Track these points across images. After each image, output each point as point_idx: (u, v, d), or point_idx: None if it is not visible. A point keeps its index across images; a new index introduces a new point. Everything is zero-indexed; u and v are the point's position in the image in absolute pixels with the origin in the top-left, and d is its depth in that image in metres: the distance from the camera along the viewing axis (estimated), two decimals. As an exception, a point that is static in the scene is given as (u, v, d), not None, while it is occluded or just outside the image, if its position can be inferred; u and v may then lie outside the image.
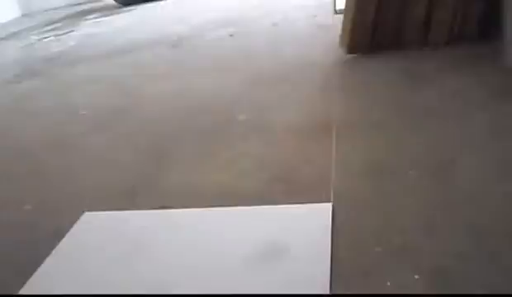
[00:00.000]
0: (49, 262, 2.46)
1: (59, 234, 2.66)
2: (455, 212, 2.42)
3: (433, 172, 2.74)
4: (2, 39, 9.43)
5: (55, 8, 12.25)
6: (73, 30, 8.54)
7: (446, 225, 2.35)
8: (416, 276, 2.08)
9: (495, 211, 2.38)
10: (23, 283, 2.34)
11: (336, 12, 5.97)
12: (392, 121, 3.36)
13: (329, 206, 2.53)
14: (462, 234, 2.27)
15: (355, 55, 4.55)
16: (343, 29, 4.59)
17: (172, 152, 3.40)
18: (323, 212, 2.50)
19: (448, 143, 3.02)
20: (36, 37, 8.61)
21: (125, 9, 10.07)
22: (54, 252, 2.52)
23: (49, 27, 9.59)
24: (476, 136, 3.05)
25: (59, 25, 9.74)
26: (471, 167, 2.74)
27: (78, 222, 2.75)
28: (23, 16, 12.35)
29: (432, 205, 2.50)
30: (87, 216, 2.79)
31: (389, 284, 2.06)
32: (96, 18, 9.70)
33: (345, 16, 4.56)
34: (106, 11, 10.33)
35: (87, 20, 9.70)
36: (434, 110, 3.42)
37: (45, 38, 8.37)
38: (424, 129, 3.22)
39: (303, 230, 2.41)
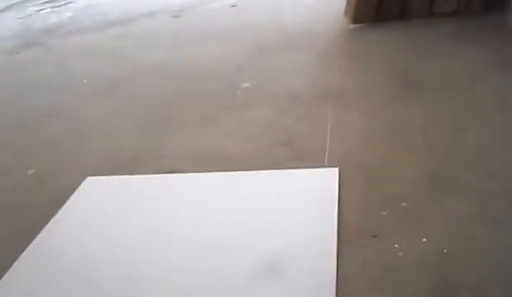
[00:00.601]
0: (51, 225, 2.44)
1: (61, 199, 2.64)
2: (460, 176, 2.41)
3: (437, 139, 2.72)
4: (0, 11, 9.30)
5: (53, -19, 12.06)
6: (71, 2, 8.41)
7: (451, 189, 2.34)
8: (424, 239, 2.07)
9: (498, 175, 2.38)
10: (25, 247, 2.32)
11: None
12: (396, 90, 3.32)
13: (335, 170, 2.50)
14: (467, 198, 2.26)
15: (360, 25, 4.49)
16: (348, -1, 4.53)
17: (174, 118, 3.36)
18: (329, 176, 2.48)
19: (452, 111, 2.99)
20: (34, 8, 8.48)
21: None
22: (57, 215, 2.50)
23: (46, -1, 9.45)
24: (480, 105, 3.02)
25: (56, -3, 9.59)
26: (475, 135, 2.73)
27: (81, 186, 2.72)
28: (20, -12, 12.16)
29: (437, 168, 2.49)
30: (90, 181, 2.76)
31: (396, 246, 2.05)
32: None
33: (350, -14, 4.50)
34: (104, -17, 10.16)
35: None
36: (438, 80, 3.38)
37: (43, 10, 8.25)
38: (428, 97, 3.18)
39: (310, 194, 2.39)
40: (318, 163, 2.63)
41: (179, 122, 3.30)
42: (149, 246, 2.21)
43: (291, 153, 2.78)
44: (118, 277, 2.07)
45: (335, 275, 1.92)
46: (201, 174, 2.68)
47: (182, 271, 2.04)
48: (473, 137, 2.71)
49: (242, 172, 2.63)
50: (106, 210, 2.52)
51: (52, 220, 2.47)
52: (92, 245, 2.28)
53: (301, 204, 2.34)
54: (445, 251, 1.99)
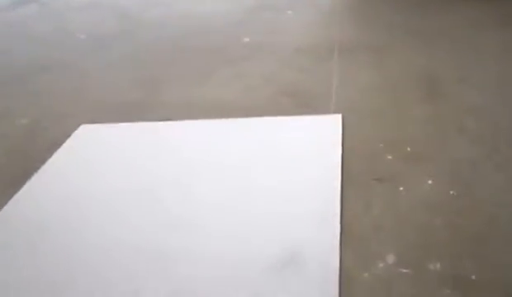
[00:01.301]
0: (42, 170, 2.38)
1: (55, 146, 2.57)
2: (464, 122, 2.36)
3: (440, 88, 2.67)
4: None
5: None
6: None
7: (455, 134, 2.29)
8: (430, 181, 2.02)
9: (502, 121, 2.34)
10: (15, 193, 2.26)
11: None
12: (400, 43, 3.25)
13: (338, 117, 2.44)
14: (471, 142, 2.21)
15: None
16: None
17: (173, 71, 3.28)
18: (333, 122, 2.42)
19: (454, 62, 2.94)
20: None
21: None
22: (49, 160, 2.43)
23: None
24: (482, 57, 2.97)
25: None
26: (477, 85, 2.67)
27: (75, 133, 2.65)
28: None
29: (441, 114, 2.43)
30: (84, 128, 2.69)
31: (401, 188, 2.00)
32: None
33: None
34: None
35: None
36: (443, 35, 3.32)
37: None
38: (431, 49, 3.12)
39: (314, 139, 2.33)
40: (322, 112, 2.58)
41: (178, 75, 3.22)
42: (141, 196, 2.13)
43: (294, 103, 2.71)
44: (104, 225, 2.00)
45: (339, 216, 1.87)
46: (199, 121, 2.61)
47: (171, 221, 1.98)
48: (475, 86, 2.66)
49: (243, 119, 2.56)
50: (99, 157, 2.44)
51: (44, 166, 2.40)
52: (81, 191, 2.21)
53: (304, 149, 2.28)
54: (451, 193, 1.95)
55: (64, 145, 2.56)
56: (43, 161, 2.44)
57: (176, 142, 2.48)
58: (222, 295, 1.62)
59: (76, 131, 2.66)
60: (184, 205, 2.03)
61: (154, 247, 1.83)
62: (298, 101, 2.72)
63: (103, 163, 2.38)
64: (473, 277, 1.59)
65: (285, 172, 2.16)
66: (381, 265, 1.68)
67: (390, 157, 2.18)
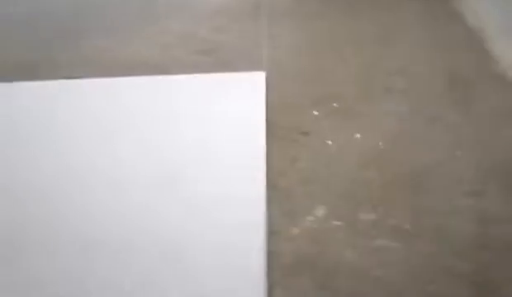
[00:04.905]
0: None
1: None
2: (391, 80, 2.30)
3: (366, 48, 2.61)
4: None
5: None
6: None
7: (382, 91, 2.23)
8: (358, 135, 1.93)
9: (427, 79, 2.32)
10: None
11: None
12: (327, 5, 3.16)
13: (262, 74, 2.30)
14: (398, 99, 2.16)
15: None
16: None
17: (82, 27, 2.99)
18: (255, 79, 2.27)
19: (380, 26, 2.89)
20: None
21: None
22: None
23: None
24: (407, 22, 2.95)
25: None
26: (403, 46, 2.64)
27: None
28: None
29: (368, 73, 2.37)
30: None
31: (329, 142, 1.90)
32: None
33: None
34: None
35: None
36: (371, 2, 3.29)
37: None
38: (358, 13, 3.06)
39: (236, 97, 2.18)
40: (244, 70, 2.43)
41: (88, 30, 2.94)
42: (38, 161, 1.89)
43: (214, 63, 2.54)
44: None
45: (265, 172, 1.74)
46: (107, 79, 2.36)
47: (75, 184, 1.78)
48: (401, 48, 2.63)
49: (160, 76, 2.36)
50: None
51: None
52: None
53: (225, 106, 2.11)
54: (380, 145, 1.87)
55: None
56: None
57: (74, 105, 2.21)
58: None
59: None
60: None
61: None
62: (219, 60, 2.55)
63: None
64: (407, 226, 1.51)
65: (206, 130, 1.99)
66: (310, 218, 1.57)
67: (316, 112, 2.08)
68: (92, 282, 1.39)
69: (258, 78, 2.28)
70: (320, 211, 1.59)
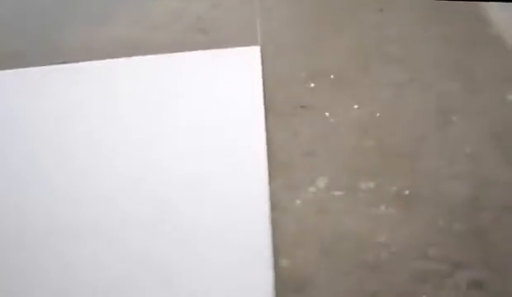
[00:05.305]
0: None
1: None
2: (387, 49, 2.30)
3: (361, 17, 2.61)
4: None
5: None
6: None
7: (379, 61, 2.23)
8: (355, 106, 1.95)
9: (425, 49, 2.31)
10: None
11: None
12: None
13: (257, 49, 2.31)
14: (395, 68, 2.16)
15: None
16: None
17: (71, 7, 2.96)
18: (251, 54, 2.28)
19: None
20: None
21: None
22: None
23: None
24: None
25: None
26: (397, 14, 2.63)
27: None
28: None
29: (364, 44, 2.37)
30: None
31: (327, 114, 1.92)
32: None
33: None
34: None
35: None
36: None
37: None
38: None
39: (232, 72, 2.19)
40: (239, 46, 2.43)
41: (77, 12, 2.92)
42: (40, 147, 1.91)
43: (208, 40, 2.54)
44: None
45: (265, 146, 1.77)
46: (103, 61, 2.35)
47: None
48: (397, 16, 2.62)
49: (153, 56, 2.35)
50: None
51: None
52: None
53: (222, 83, 2.13)
54: (378, 115, 1.89)
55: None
56: None
57: (74, 89, 2.22)
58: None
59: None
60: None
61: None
62: (212, 37, 2.55)
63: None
64: (407, 192, 1.55)
65: (204, 109, 2.01)
66: (312, 190, 1.60)
67: (313, 85, 2.09)
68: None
69: (253, 53, 2.28)
70: (322, 182, 1.62)
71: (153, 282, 1.38)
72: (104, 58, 2.40)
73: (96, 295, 1.37)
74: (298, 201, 1.57)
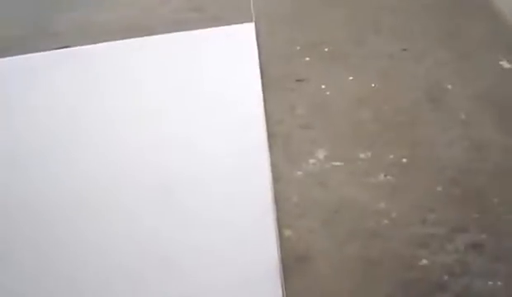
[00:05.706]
0: None
1: None
2: (379, 19, 2.32)
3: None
4: None
5: None
6: None
7: (372, 32, 2.24)
8: (351, 78, 1.98)
9: (418, 17, 2.33)
10: None
11: None
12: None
13: (251, 25, 2.32)
14: (389, 38, 2.18)
15: None
16: None
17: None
18: (246, 31, 2.29)
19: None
20: None
21: None
22: None
23: None
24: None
25: None
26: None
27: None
28: None
29: (356, 15, 2.38)
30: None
31: (324, 86, 1.94)
32: None
33: None
34: None
35: None
36: None
37: None
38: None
39: (228, 49, 2.20)
40: (233, 23, 2.43)
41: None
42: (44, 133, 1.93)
43: (202, 17, 2.54)
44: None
45: (264, 119, 1.79)
46: (101, 45, 2.37)
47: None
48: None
49: (149, 37, 2.36)
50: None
51: None
52: None
53: (219, 60, 2.14)
54: (373, 85, 1.92)
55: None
56: None
57: (74, 73, 2.23)
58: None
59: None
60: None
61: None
62: (206, 16, 2.55)
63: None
64: (404, 160, 1.58)
65: (201, 88, 2.02)
66: (312, 161, 1.63)
67: (308, 58, 2.11)
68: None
69: (248, 30, 2.30)
70: (321, 154, 1.65)
71: (158, 259, 1.42)
72: (101, 41, 2.42)
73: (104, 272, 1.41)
74: (299, 173, 1.60)
